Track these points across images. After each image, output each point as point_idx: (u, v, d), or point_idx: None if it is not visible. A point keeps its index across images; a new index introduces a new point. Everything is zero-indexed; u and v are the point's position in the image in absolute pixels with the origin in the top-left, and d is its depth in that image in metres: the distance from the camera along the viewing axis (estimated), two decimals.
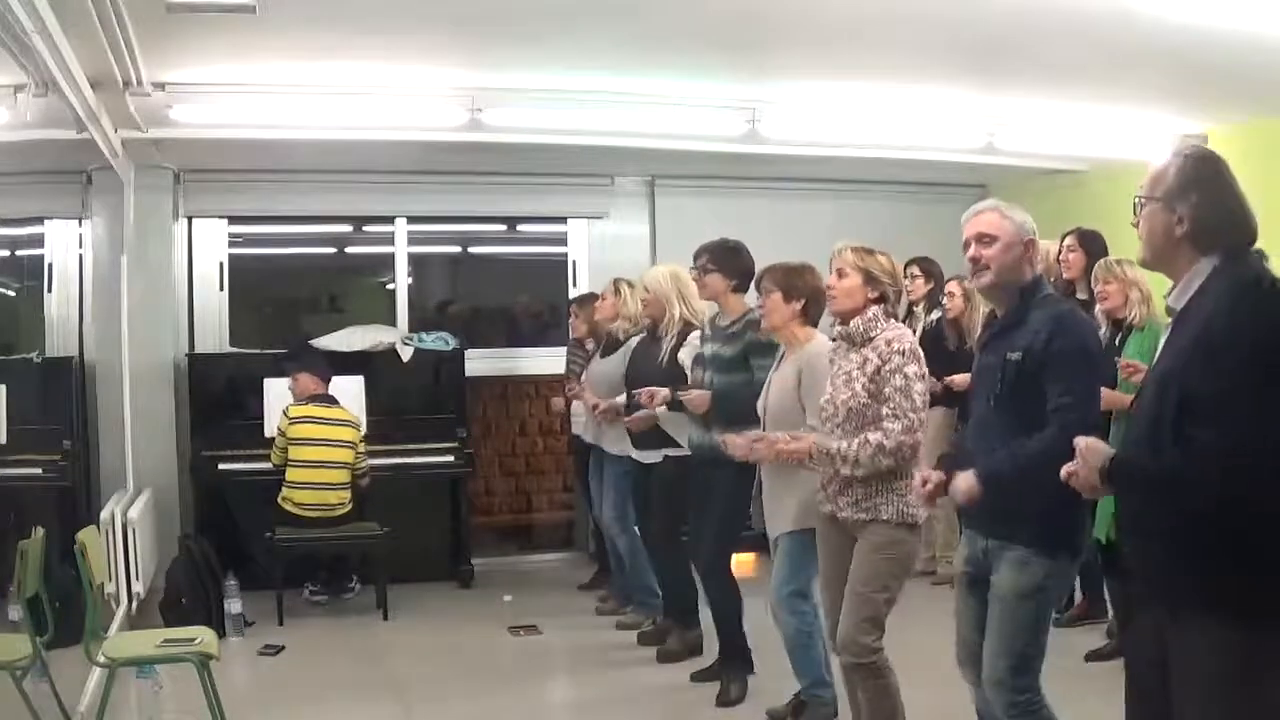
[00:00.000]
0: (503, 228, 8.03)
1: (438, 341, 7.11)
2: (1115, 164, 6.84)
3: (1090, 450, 2.37)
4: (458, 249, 8.20)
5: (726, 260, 4.76)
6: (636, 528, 5.74)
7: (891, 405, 3.50)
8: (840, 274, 3.68)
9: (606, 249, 7.64)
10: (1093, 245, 5.25)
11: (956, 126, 6.46)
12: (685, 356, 5.06)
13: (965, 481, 3.00)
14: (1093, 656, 4.97)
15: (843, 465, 3.51)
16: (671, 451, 5.12)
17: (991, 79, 5.57)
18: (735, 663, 4.83)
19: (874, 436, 3.48)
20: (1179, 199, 2.40)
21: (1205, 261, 2.39)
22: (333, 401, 6.38)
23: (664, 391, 4.86)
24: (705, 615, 5.11)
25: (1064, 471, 2.42)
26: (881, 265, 3.68)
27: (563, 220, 7.85)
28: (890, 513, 3.54)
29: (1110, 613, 5.12)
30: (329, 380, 6.44)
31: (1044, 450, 2.79)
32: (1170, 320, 2.49)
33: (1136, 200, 2.48)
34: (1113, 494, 2.43)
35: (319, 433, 6.21)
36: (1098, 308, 4.92)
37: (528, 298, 8.23)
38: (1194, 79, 5.27)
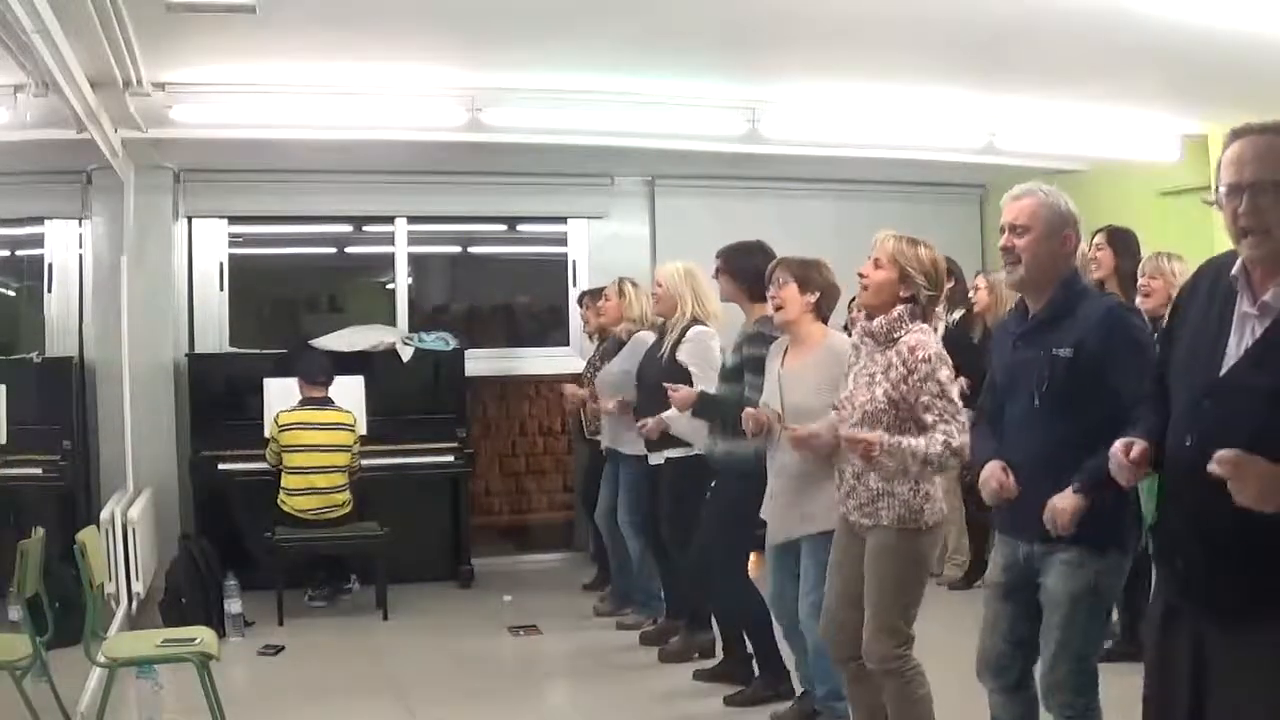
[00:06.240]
0: (503, 228, 8.03)
1: (438, 341, 7.10)
2: (1115, 164, 6.85)
3: (1267, 472, 2.01)
4: (458, 249, 8.19)
5: (733, 261, 4.57)
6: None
7: (937, 411, 3.28)
8: (876, 264, 3.45)
9: (606, 249, 7.63)
10: (1123, 244, 5.11)
11: (956, 126, 6.46)
12: (685, 355, 4.99)
13: (1068, 501, 2.75)
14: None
15: (913, 461, 3.25)
16: (673, 453, 5.08)
17: (991, 79, 5.57)
18: (771, 672, 4.63)
19: (940, 436, 3.25)
20: None
21: None
22: (326, 403, 6.32)
23: (688, 390, 4.66)
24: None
25: (1126, 477, 2.29)
26: (922, 262, 3.44)
27: (563, 220, 7.84)
28: (890, 518, 3.39)
29: (1114, 616, 5.09)
30: (325, 383, 6.36)
31: None
32: (1264, 318, 2.13)
33: (1255, 190, 2.10)
34: None
35: (310, 438, 6.16)
36: (1140, 304, 4.61)
37: (528, 298, 8.24)
38: (1194, 79, 5.27)
